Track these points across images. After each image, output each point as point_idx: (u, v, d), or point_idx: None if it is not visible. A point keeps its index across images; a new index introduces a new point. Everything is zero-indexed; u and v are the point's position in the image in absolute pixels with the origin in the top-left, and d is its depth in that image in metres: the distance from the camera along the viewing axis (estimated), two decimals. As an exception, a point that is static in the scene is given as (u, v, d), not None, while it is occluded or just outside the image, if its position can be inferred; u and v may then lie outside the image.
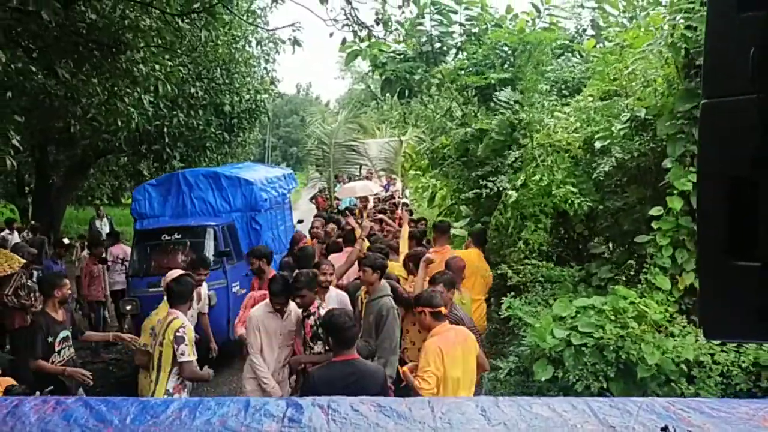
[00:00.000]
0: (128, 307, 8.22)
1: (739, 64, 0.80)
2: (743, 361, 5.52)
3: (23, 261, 8.10)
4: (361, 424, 1.18)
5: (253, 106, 13.41)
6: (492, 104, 9.29)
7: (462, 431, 1.16)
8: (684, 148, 5.88)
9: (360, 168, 24.32)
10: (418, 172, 14.98)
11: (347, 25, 6.92)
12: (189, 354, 4.80)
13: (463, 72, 10.41)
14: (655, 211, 6.00)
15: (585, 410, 1.17)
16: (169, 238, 8.85)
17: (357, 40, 8.50)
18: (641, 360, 5.28)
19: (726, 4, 0.81)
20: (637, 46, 6.74)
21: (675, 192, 5.85)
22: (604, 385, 5.44)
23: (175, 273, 6.16)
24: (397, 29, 7.93)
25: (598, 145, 6.45)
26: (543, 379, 5.59)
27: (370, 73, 12.84)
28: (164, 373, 4.87)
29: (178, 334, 4.78)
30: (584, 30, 11.89)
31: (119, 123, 8.09)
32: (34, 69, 6.76)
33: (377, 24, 6.82)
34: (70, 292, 5.78)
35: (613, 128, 6.38)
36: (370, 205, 15.68)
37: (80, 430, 1.21)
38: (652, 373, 5.32)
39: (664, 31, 6.01)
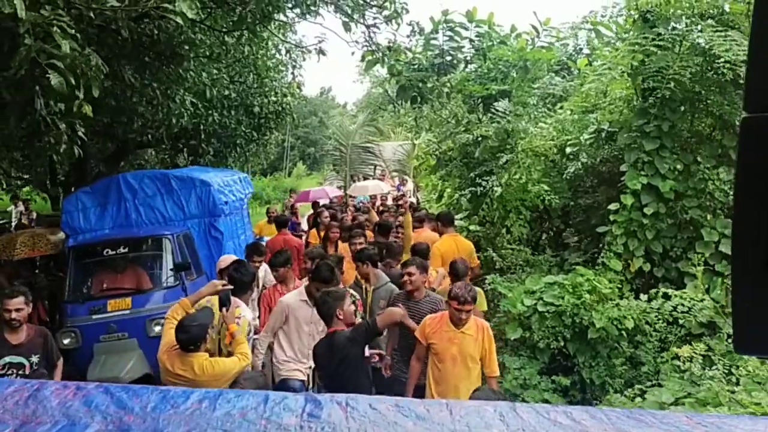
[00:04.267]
0: (66, 341, 6.58)
1: None
2: (679, 331, 6.79)
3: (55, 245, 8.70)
4: (380, 423, 1.19)
5: (280, 108, 14.79)
6: (491, 113, 10.61)
7: None
8: (637, 156, 7.19)
9: (374, 168, 25.72)
10: (427, 172, 16.26)
11: (366, 46, 8.28)
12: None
13: (469, 83, 11.68)
14: (612, 206, 7.31)
15: (603, 419, 1.19)
16: (113, 252, 7.43)
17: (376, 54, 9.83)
18: (591, 324, 6.58)
19: None
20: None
21: (628, 191, 7.16)
22: (562, 344, 6.75)
23: (229, 258, 6.02)
24: (405, 53, 9.26)
25: (568, 151, 7.77)
26: (513, 338, 6.91)
27: (387, 79, 14.20)
28: None
29: (237, 320, 4.64)
30: (581, 49, 13.09)
31: (173, 120, 9.52)
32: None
33: (389, 50, 8.14)
34: (15, 316, 4.84)
35: (581, 138, 7.70)
36: (389, 202, 17.07)
37: (101, 416, 1.22)
38: (600, 335, 6.61)
39: (624, 59, 7.31)
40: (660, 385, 5.24)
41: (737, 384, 4.74)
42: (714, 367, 4.97)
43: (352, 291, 5.51)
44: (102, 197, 8.39)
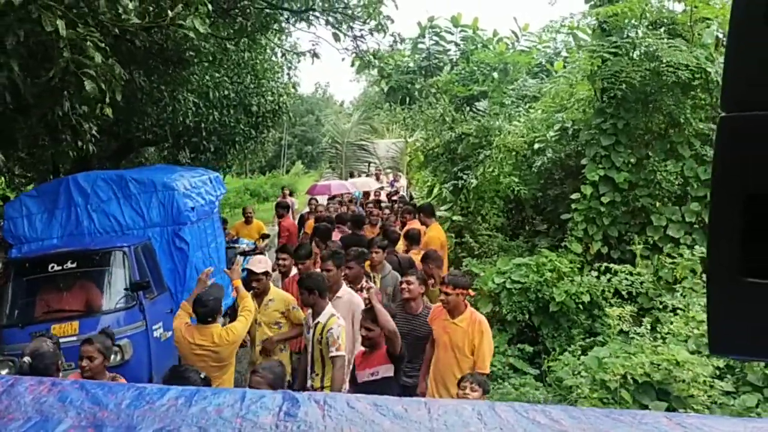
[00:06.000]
0: (4, 371, 5.72)
1: (762, 78, 0.78)
2: (632, 309, 7.66)
3: None
4: (357, 421, 1.18)
5: (276, 107, 15.63)
6: (473, 112, 11.49)
7: None
8: (596, 150, 8.07)
9: (368, 165, 26.58)
10: (417, 168, 17.15)
11: (355, 53, 9.17)
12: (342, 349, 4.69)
13: (453, 84, 12.56)
14: (574, 196, 8.20)
15: (581, 419, 1.17)
16: (60, 268, 6.50)
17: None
18: (552, 299, 7.45)
19: (751, 16, 0.77)
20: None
21: (588, 182, 8.04)
22: (527, 317, 7.62)
23: (261, 258, 5.92)
24: (389, 60, 10.21)
25: (536, 146, 8.66)
26: (484, 312, 7.76)
27: (378, 80, 15.08)
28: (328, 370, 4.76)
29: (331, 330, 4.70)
30: (559, 52, 13.96)
31: (178, 119, 10.38)
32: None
33: (374, 57, 9.04)
34: None
35: (547, 135, 8.58)
36: (383, 197, 17.95)
37: (75, 411, 1.21)
38: (561, 309, 7.48)
39: (585, 63, 8.20)
40: (602, 345, 6.13)
41: (663, 340, 5.64)
42: (642, 326, 5.87)
43: (372, 284, 5.68)
44: (49, 202, 7.45)
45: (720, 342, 0.84)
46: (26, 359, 3.66)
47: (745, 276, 0.78)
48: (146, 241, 7.32)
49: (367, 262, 6.40)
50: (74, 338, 5.83)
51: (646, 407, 4.92)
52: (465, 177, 10.08)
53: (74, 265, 6.55)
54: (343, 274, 5.61)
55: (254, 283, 5.48)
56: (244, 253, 9.68)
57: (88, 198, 7.46)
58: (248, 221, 11.19)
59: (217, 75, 10.54)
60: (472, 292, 5.03)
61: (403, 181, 24.07)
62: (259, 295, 5.47)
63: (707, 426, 1.15)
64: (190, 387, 1.32)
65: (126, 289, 6.53)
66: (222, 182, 10.43)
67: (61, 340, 5.57)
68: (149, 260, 7.10)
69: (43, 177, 23.04)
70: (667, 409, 4.86)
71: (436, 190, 15.64)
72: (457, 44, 14.43)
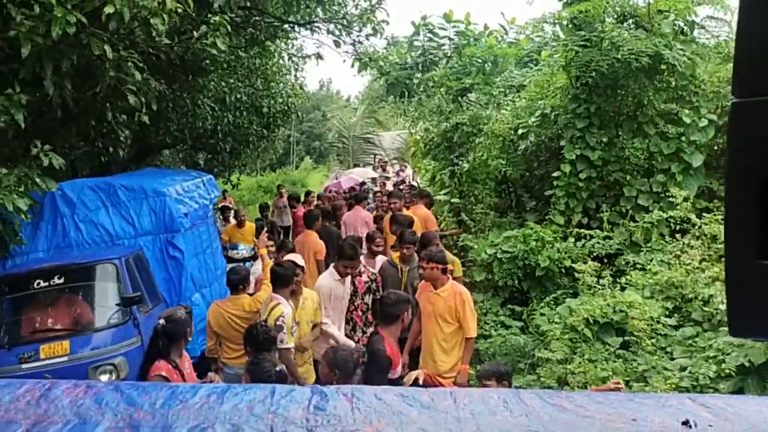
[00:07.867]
0: None
1: None
2: (611, 270, 8.65)
3: None
4: (385, 413, 1.20)
5: (286, 108, 16.72)
6: (466, 103, 12.50)
7: (485, 422, 1.17)
8: (572, 132, 9.06)
9: (374, 157, 27.62)
10: (419, 158, 18.17)
11: (354, 55, 10.23)
12: (287, 341, 4.79)
13: (446, 78, 13.54)
14: (556, 174, 9.20)
15: (605, 403, 1.18)
16: (47, 284, 6.16)
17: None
18: (537, 265, 8.45)
19: (759, 4, 0.78)
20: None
21: (566, 161, 9.03)
22: (517, 282, 8.64)
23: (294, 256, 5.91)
24: (385, 60, 11.27)
25: (520, 132, 9.68)
26: (479, 280, 8.81)
27: (378, 77, 16.10)
28: None
29: (278, 322, 4.74)
30: (546, 43, 14.89)
31: (198, 123, 11.47)
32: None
33: (370, 60, 10.09)
34: None
35: (530, 121, 9.60)
36: (389, 187, 18.99)
37: (112, 413, 1.24)
38: (547, 273, 8.49)
39: (561, 55, 9.18)
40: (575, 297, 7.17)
41: (623, 290, 6.67)
42: (604, 279, 6.90)
43: (372, 270, 6.32)
44: (34, 214, 6.98)
45: (739, 324, 0.84)
46: (161, 321, 3.98)
47: (761, 259, 0.78)
48: (138, 251, 7.06)
49: (397, 254, 6.87)
50: (65, 358, 5.65)
51: (606, 343, 5.95)
52: (459, 163, 11.10)
53: (62, 281, 6.23)
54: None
55: (296, 277, 5.35)
56: (245, 260, 9.33)
57: (74, 208, 7.17)
58: (241, 224, 10.48)
59: (231, 81, 11.63)
60: (451, 267, 5.54)
61: (409, 171, 25.09)
62: (296, 294, 5.45)
63: (731, 406, 1.16)
64: (221, 384, 1.39)
65: (118, 304, 6.22)
66: (215, 184, 10.07)
67: (51, 361, 5.55)
68: (142, 271, 6.85)
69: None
70: (623, 342, 5.89)
71: (437, 177, 16.69)
72: (450, 39, 15.42)
